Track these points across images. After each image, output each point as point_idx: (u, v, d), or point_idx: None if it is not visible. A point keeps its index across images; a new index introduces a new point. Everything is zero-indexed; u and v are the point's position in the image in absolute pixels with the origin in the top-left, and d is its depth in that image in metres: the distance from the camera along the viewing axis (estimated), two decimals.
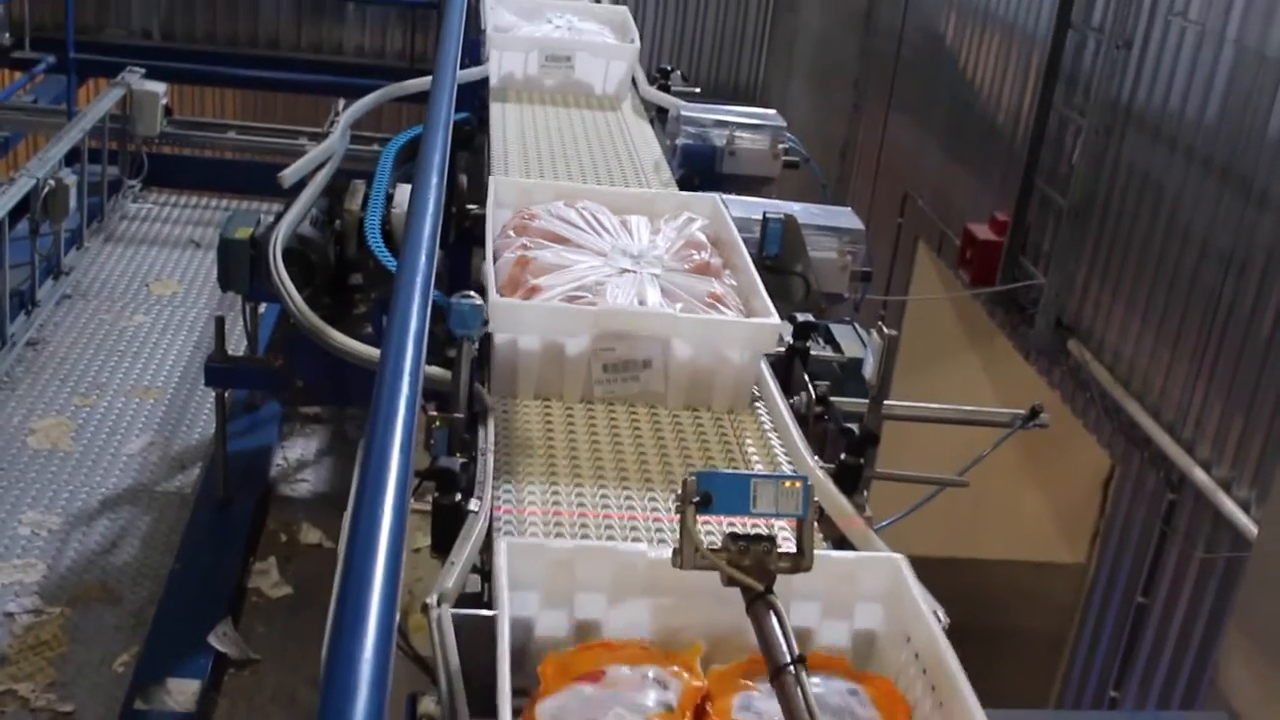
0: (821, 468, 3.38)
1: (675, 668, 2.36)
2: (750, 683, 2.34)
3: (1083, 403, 7.99)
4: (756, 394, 3.79)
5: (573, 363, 3.65)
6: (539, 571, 2.54)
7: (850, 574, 2.56)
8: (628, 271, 3.93)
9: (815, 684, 2.30)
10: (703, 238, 4.20)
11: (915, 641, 2.44)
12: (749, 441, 3.58)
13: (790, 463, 3.47)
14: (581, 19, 7.22)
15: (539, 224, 4.15)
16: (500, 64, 6.62)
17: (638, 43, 6.96)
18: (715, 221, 4.39)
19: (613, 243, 4.07)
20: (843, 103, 13.16)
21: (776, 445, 3.56)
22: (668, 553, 2.36)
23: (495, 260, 3.99)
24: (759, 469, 3.46)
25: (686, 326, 3.67)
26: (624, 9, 7.50)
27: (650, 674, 2.34)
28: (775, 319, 3.79)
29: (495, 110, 6.20)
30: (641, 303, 3.78)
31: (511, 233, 4.15)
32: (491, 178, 4.69)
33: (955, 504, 5.37)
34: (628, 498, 3.19)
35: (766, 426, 3.67)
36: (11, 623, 5.59)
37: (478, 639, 2.40)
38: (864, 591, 2.58)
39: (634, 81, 6.87)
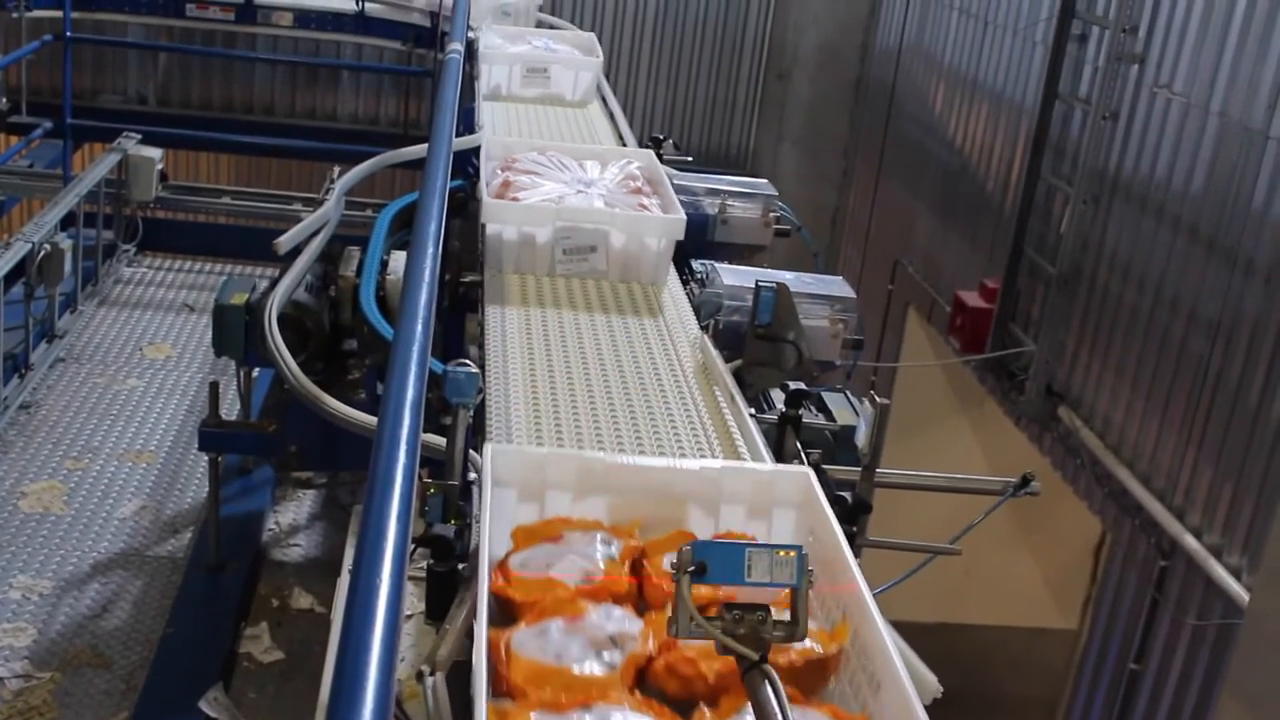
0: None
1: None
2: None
3: (1073, 469, 8.02)
4: (745, 454, 3.81)
5: (542, 248, 5.11)
6: (519, 471, 3.15)
7: (769, 483, 3.12)
8: (581, 192, 5.41)
9: None
10: (638, 173, 5.68)
11: (817, 535, 2.97)
12: None
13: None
14: (555, 41, 8.77)
15: (518, 165, 5.64)
16: (489, 76, 7.87)
17: (600, 57, 8.36)
18: (649, 166, 5.83)
19: (572, 176, 5.55)
20: (833, 170, 13.29)
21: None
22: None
23: (486, 185, 5.41)
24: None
25: (620, 221, 5.16)
26: (590, 34, 8.90)
27: (599, 536, 2.97)
28: (682, 215, 5.23)
29: (485, 107, 7.41)
30: None
31: (499, 170, 5.58)
32: (484, 139, 6.23)
33: (947, 570, 5.39)
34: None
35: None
36: (1, 688, 5.56)
37: (470, 710, 2.40)
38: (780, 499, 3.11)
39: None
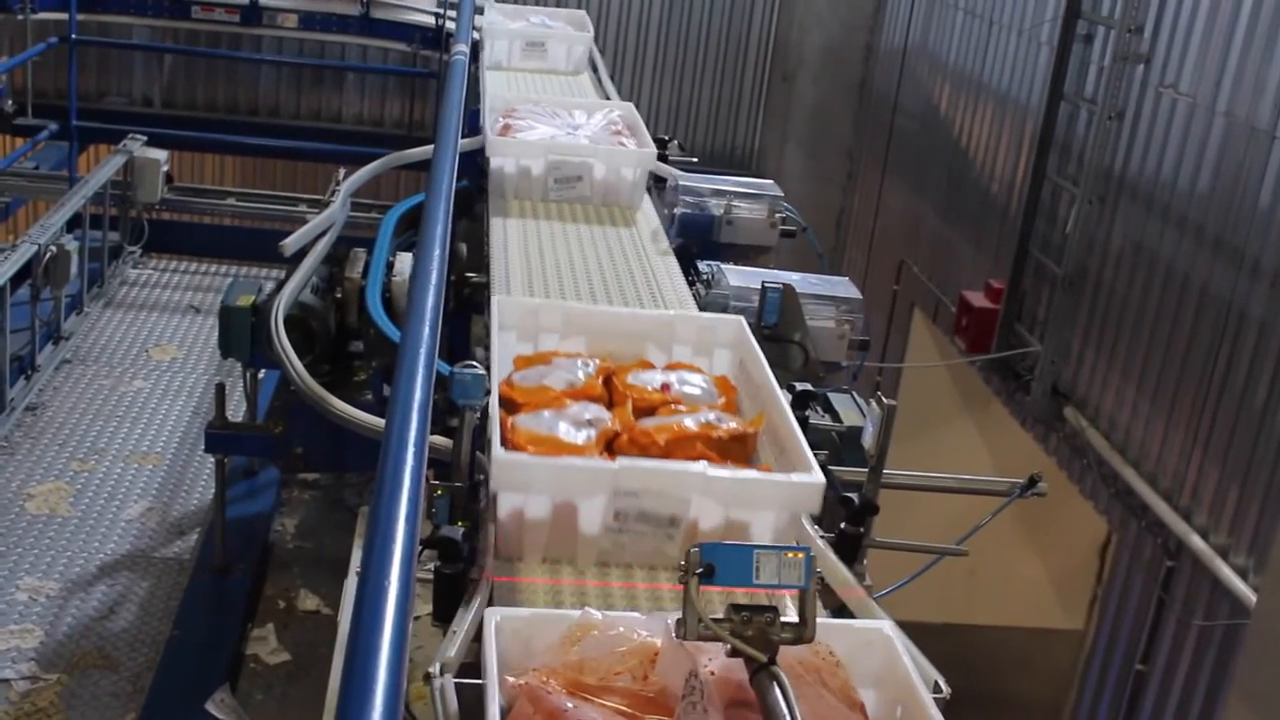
0: (821, 537, 3.40)
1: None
2: (639, 370, 3.89)
3: (1079, 469, 8.01)
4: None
5: (536, 178, 6.00)
6: (517, 317, 4.08)
7: (710, 328, 3.43)
8: (570, 134, 6.43)
9: None
10: (618, 119, 6.71)
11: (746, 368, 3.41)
12: None
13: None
14: (551, 19, 9.49)
15: (516, 114, 6.61)
16: (492, 50, 8.60)
17: (590, 32, 9.10)
18: (628, 115, 6.81)
19: (562, 122, 6.56)
20: (838, 171, 13.28)
21: None
22: None
23: (490, 129, 6.32)
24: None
25: (601, 154, 6.06)
26: (582, 12, 9.54)
27: (579, 361, 3.86)
28: (653, 149, 6.27)
29: (488, 76, 8.05)
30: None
31: (500, 119, 6.55)
32: (486, 95, 7.18)
33: (953, 570, 5.38)
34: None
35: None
36: (8, 689, 5.57)
37: (480, 708, 2.40)
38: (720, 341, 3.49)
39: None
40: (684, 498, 3.22)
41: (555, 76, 8.58)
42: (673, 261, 5.39)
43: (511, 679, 2.44)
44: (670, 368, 3.96)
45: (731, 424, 3.56)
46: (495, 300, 4.13)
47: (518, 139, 6.17)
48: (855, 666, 2.58)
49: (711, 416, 3.60)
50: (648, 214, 6.08)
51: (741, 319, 4.19)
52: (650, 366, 3.92)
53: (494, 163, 5.95)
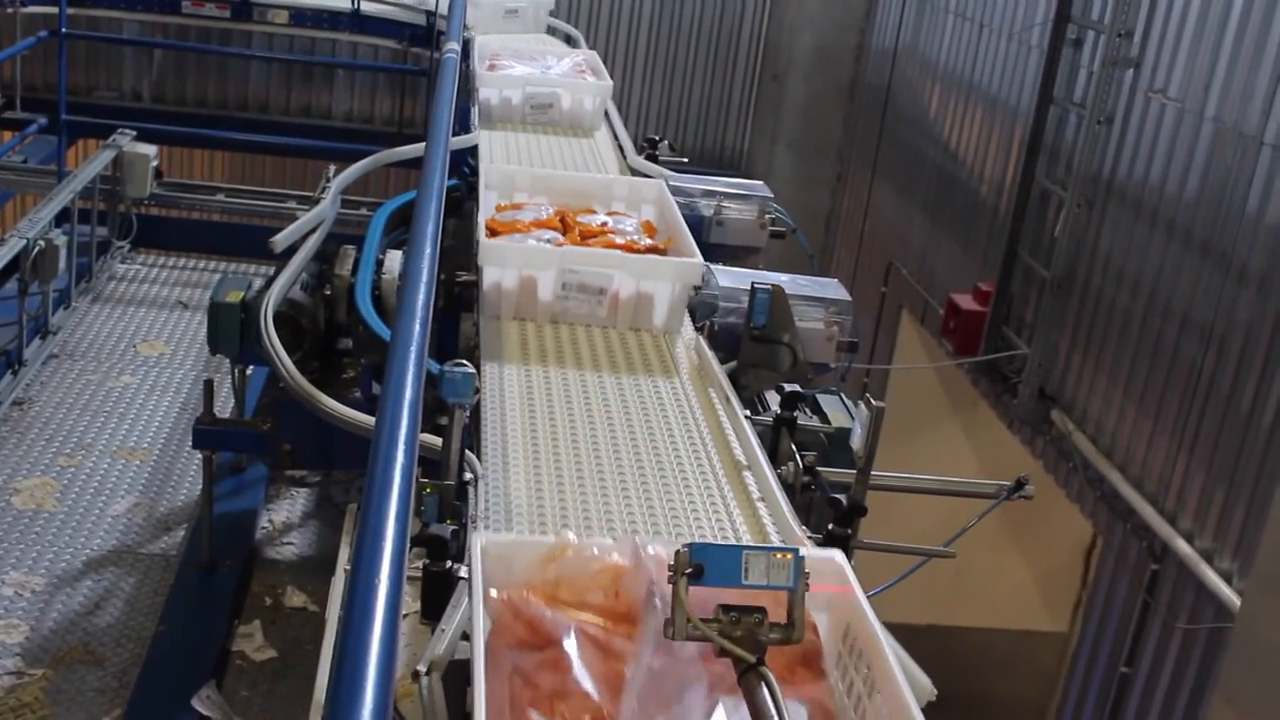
0: (809, 538, 3.41)
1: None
2: (586, 214, 5.34)
3: (1065, 472, 8.04)
4: (744, 463, 3.82)
5: (516, 108, 7.34)
6: (499, 180, 5.60)
7: (639, 187, 3.51)
8: (545, 73, 7.68)
9: None
10: (582, 62, 8.09)
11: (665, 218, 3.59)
12: (735, 512, 3.61)
13: (778, 532, 3.50)
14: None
15: (500, 58, 7.90)
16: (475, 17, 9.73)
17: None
18: (590, 59, 8.24)
19: (538, 65, 7.86)
20: (827, 173, 13.30)
21: (764, 514, 3.59)
22: None
23: (479, 65, 7.66)
24: (746, 539, 3.48)
25: (569, 87, 7.47)
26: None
27: (542, 206, 5.33)
28: (609, 82, 7.68)
29: (477, 38, 9.13)
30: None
31: (488, 60, 7.82)
32: (475, 45, 8.42)
33: (938, 572, 5.39)
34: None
35: (754, 495, 3.69)
36: None
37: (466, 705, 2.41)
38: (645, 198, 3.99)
39: (621, 150, 7.07)
40: (609, 273, 4.66)
41: (522, 36, 9.94)
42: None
43: (495, 593, 2.63)
44: (609, 214, 5.35)
45: (648, 241, 5.08)
46: (483, 168, 5.69)
47: (501, 74, 7.51)
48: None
49: (634, 235, 5.08)
50: (604, 135, 7.43)
51: (662, 182, 5.71)
52: (594, 213, 5.35)
53: (482, 93, 7.28)
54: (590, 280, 4.66)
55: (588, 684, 2.47)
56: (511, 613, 2.59)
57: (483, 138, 6.77)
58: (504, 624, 2.58)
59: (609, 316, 4.72)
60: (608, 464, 3.71)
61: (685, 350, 4.62)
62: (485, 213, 5.06)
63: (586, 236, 5.03)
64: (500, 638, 2.56)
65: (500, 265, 4.68)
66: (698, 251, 4.85)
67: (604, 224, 5.20)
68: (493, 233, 4.90)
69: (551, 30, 10.61)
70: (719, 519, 3.50)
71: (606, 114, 7.60)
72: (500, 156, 6.56)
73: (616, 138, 7.37)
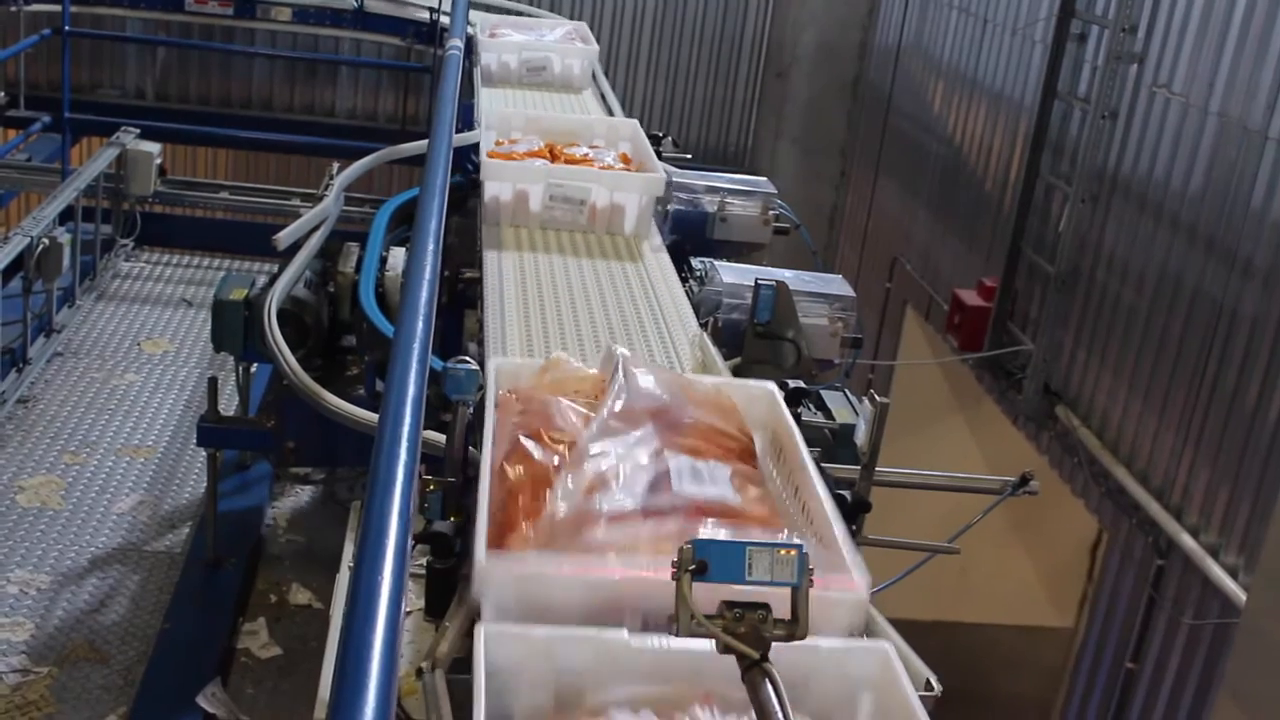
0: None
1: None
2: (571, 147, 6.23)
3: (1070, 468, 8.02)
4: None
5: (514, 71, 8.34)
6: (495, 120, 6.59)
7: (615, 126, 3.22)
8: (540, 39, 8.77)
9: None
10: (574, 32, 9.17)
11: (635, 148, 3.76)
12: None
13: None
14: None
15: (500, 29, 8.95)
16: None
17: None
18: (580, 29, 9.32)
19: (534, 34, 8.93)
20: (831, 169, 13.28)
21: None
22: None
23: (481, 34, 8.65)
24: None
25: (560, 51, 8.50)
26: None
27: (534, 141, 6.24)
28: (595, 47, 8.79)
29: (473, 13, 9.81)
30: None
31: (490, 30, 8.84)
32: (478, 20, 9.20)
33: (943, 568, 5.39)
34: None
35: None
36: None
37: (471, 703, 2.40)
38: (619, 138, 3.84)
39: (607, 108, 7.84)
40: (587, 186, 5.61)
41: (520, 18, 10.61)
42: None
43: (500, 391, 3.34)
44: (591, 148, 6.25)
45: (622, 165, 6.03)
46: (482, 112, 6.87)
47: (501, 40, 8.55)
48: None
49: (610, 160, 6.05)
50: (591, 93, 8.39)
51: (635, 123, 6.64)
52: (578, 146, 6.25)
53: (484, 58, 8.20)
54: (572, 193, 5.59)
55: (566, 423, 3.15)
56: (514, 397, 3.31)
57: (484, 94, 7.67)
58: (507, 405, 3.27)
59: (589, 223, 5.62)
60: (584, 321, 4.63)
61: (652, 254, 5.53)
62: (486, 147, 5.98)
63: (571, 164, 5.93)
64: (504, 412, 3.24)
65: (499, 180, 5.58)
66: (661, 168, 5.91)
67: (586, 154, 6.10)
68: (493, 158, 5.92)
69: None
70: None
71: (595, 78, 8.62)
72: (498, 105, 7.38)
73: (604, 99, 8.33)
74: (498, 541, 2.80)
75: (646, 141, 6.32)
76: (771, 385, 3.63)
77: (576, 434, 3.11)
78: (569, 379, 3.40)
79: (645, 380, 3.32)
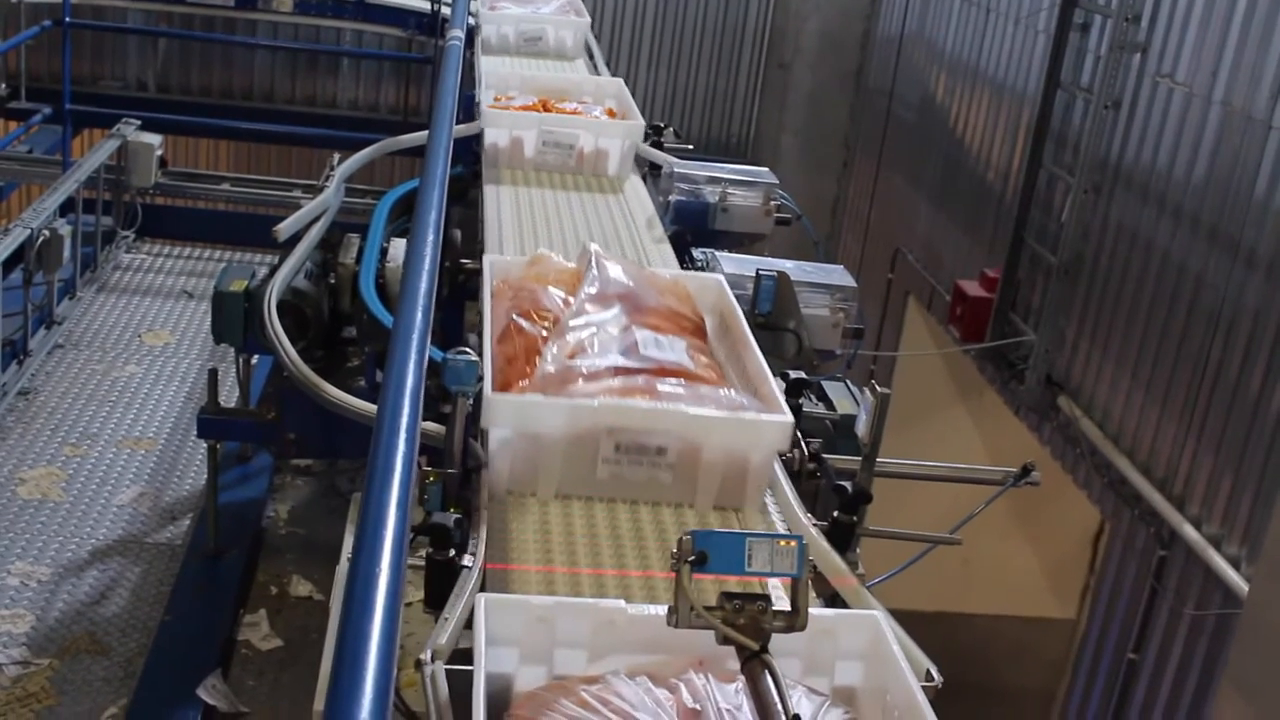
0: (814, 525, 3.39)
1: None
2: (561, 101, 7.12)
3: (1073, 459, 8.01)
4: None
5: (512, 42, 8.86)
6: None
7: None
8: (535, 13, 9.30)
9: None
10: (568, 5, 9.64)
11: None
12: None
13: (784, 520, 3.48)
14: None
15: (499, 2, 9.51)
16: None
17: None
18: (573, 3, 9.71)
19: (530, 6, 9.44)
20: (833, 159, 13.26)
21: (770, 503, 3.58)
22: None
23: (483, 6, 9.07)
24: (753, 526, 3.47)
25: (554, 24, 9.05)
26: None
27: (529, 97, 7.18)
28: (587, 19, 9.24)
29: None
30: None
31: (489, 4, 9.39)
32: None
33: (945, 559, 5.38)
34: None
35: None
36: (0, 674, 5.56)
37: (471, 695, 2.40)
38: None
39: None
40: (576, 134, 6.34)
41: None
42: (666, 248, 5.54)
43: (495, 282, 4.02)
44: (580, 103, 7.05)
45: (607, 117, 6.79)
46: (482, 74, 7.52)
47: (499, 13, 9.04)
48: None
49: (597, 114, 6.81)
50: (583, 62, 8.89)
51: (620, 81, 7.52)
52: (568, 101, 7.09)
53: (484, 29, 8.66)
54: (562, 138, 6.33)
55: (551, 305, 3.77)
56: (506, 286, 3.98)
57: (483, 60, 8.23)
58: (501, 292, 3.95)
59: (577, 165, 6.35)
60: (569, 234, 5.41)
61: (631, 190, 6.33)
62: (486, 102, 6.78)
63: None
64: (499, 299, 3.88)
65: (497, 127, 6.31)
66: (640, 118, 6.72)
67: (575, 108, 6.88)
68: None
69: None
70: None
71: (588, 46, 9.25)
72: (496, 71, 7.84)
73: (594, 65, 8.96)
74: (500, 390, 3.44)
75: (629, 96, 7.22)
76: (719, 277, 4.47)
77: (559, 312, 3.78)
78: (551, 271, 4.06)
79: (615, 270, 4.00)
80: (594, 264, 3.97)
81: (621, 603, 2.60)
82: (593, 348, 3.57)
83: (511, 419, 3.34)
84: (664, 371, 3.51)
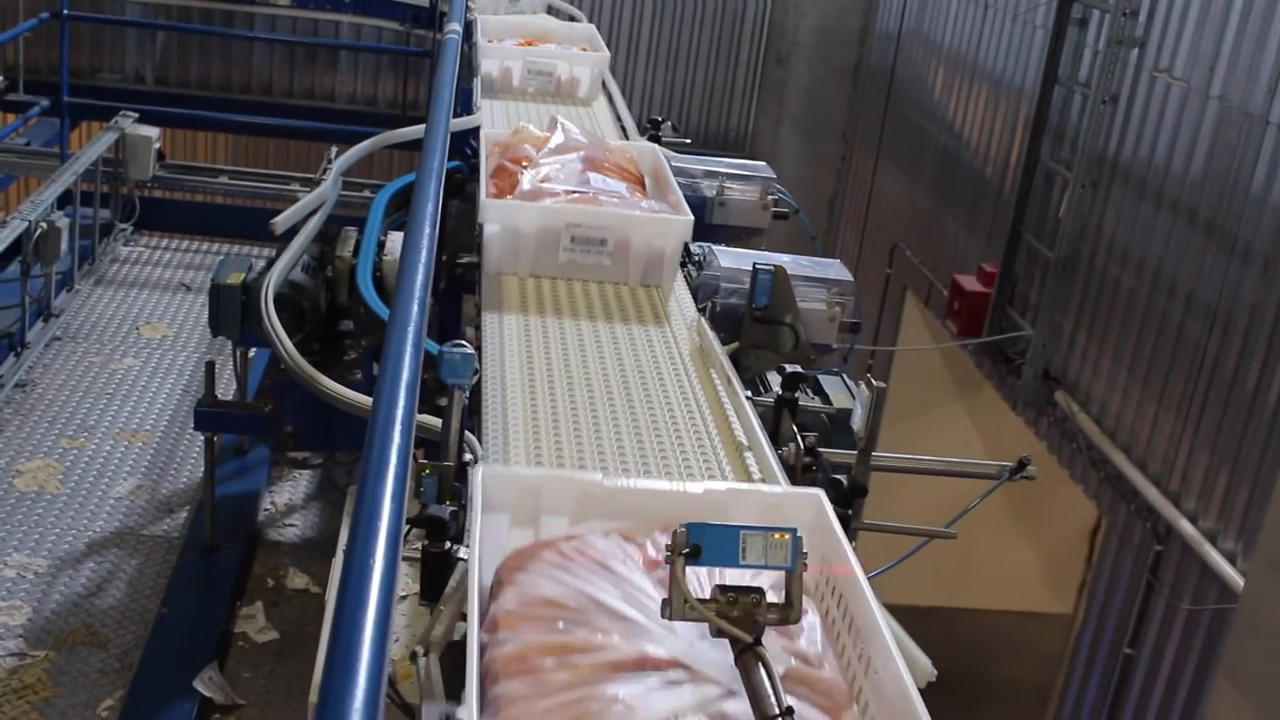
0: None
1: None
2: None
3: (1069, 454, 8.02)
4: (745, 443, 3.80)
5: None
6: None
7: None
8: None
9: None
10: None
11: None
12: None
13: (761, 474, 3.45)
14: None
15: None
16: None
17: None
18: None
19: None
20: (831, 154, 13.26)
21: (748, 457, 3.55)
22: None
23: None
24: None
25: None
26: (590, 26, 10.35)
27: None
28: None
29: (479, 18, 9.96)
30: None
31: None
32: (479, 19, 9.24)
33: (942, 554, 5.38)
34: None
35: (755, 475, 3.68)
36: None
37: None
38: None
39: (624, 130, 7.10)
40: (553, 62, 7.65)
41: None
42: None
43: (489, 145, 5.39)
44: (557, 45, 8.19)
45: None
46: (479, 22, 8.53)
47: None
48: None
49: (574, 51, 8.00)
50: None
51: (592, 27, 8.81)
52: (549, 43, 8.28)
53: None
54: (543, 68, 7.69)
55: (528, 154, 5.20)
56: (496, 146, 5.39)
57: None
58: (493, 151, 5.33)
59: (556, 91, 7.66)
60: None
61: (599, 109, 7.57)
62: (481, 41, 7.94)
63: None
64: (492, 154, 5.29)
65: (490, 59, 7.68)
66: (607, 50, 8.19)
67: (553, 48, 8.18)
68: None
69: (554, 11, 10.59)
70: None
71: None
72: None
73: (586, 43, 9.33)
74: None
75: (598, 35, 8.53)
76: (656, 147, 5.78)
77: (533, 157, 5.15)
78: (529, 138, 5.41)
79: (575, 133, 5.42)
80: (560, 126, 5.43)
81: (599, 475, 2.98)
82: (557, 178, 5.00)
83: (500, 217, 4.71)
84: (612, 196, 4.97)
